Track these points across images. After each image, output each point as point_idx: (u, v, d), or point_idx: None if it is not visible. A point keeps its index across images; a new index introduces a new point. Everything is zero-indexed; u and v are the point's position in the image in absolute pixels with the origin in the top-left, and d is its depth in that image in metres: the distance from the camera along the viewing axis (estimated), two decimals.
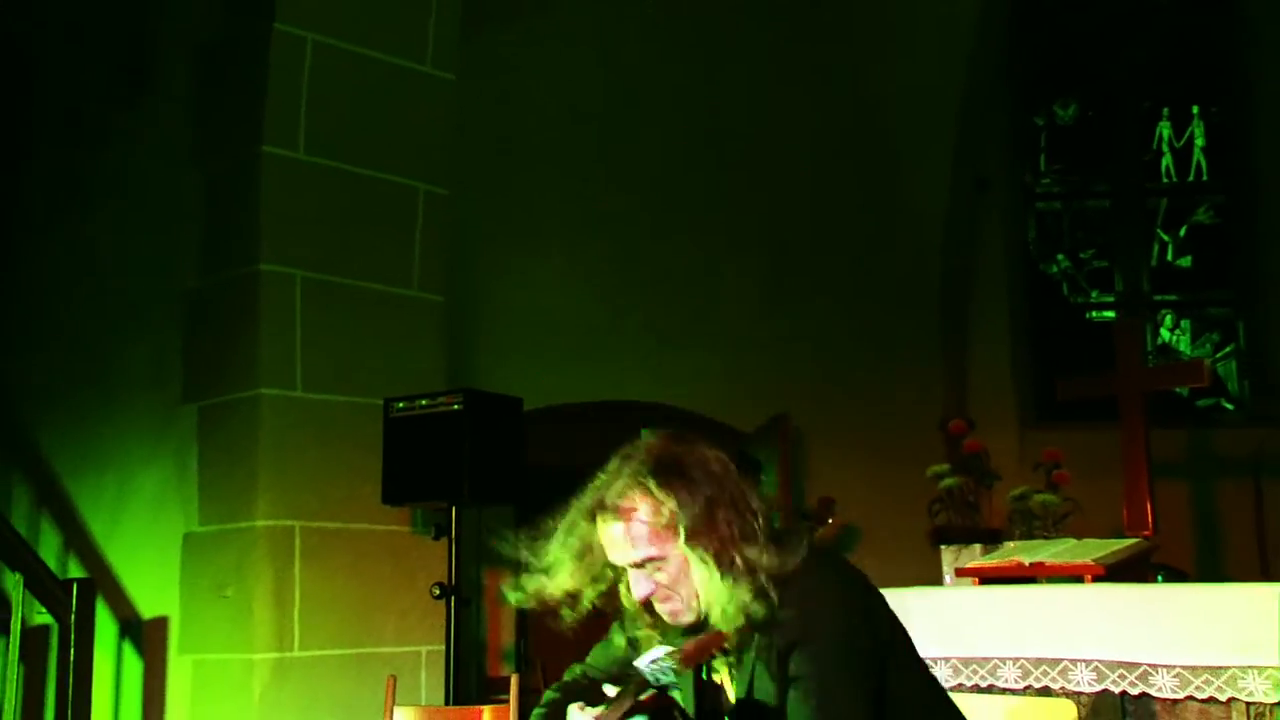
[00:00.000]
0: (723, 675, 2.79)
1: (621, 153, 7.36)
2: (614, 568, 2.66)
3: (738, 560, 2.51)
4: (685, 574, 2.57)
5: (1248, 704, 3.78)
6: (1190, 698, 3.82)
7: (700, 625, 2.64)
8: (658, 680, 2.52)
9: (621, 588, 2.70)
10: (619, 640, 2.91)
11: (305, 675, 5.35)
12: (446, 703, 4.94)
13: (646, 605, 2.64)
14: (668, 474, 2.58)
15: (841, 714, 2.51)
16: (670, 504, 2.54)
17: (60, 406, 6.29)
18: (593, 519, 2.67)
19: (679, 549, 2.55)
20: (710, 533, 2.53)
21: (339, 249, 5.60)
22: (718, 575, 2.51)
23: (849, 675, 2.53)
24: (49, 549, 6.02)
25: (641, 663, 2.53)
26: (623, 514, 2.59)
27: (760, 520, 2.57)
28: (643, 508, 2.57)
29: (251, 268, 5.41)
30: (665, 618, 2.65)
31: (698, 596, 2.56)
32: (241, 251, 5.47)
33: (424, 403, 4.99)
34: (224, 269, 5.57)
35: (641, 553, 2.58)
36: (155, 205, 5.93)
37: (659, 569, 2.59)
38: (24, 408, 6.48)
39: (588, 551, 2.70)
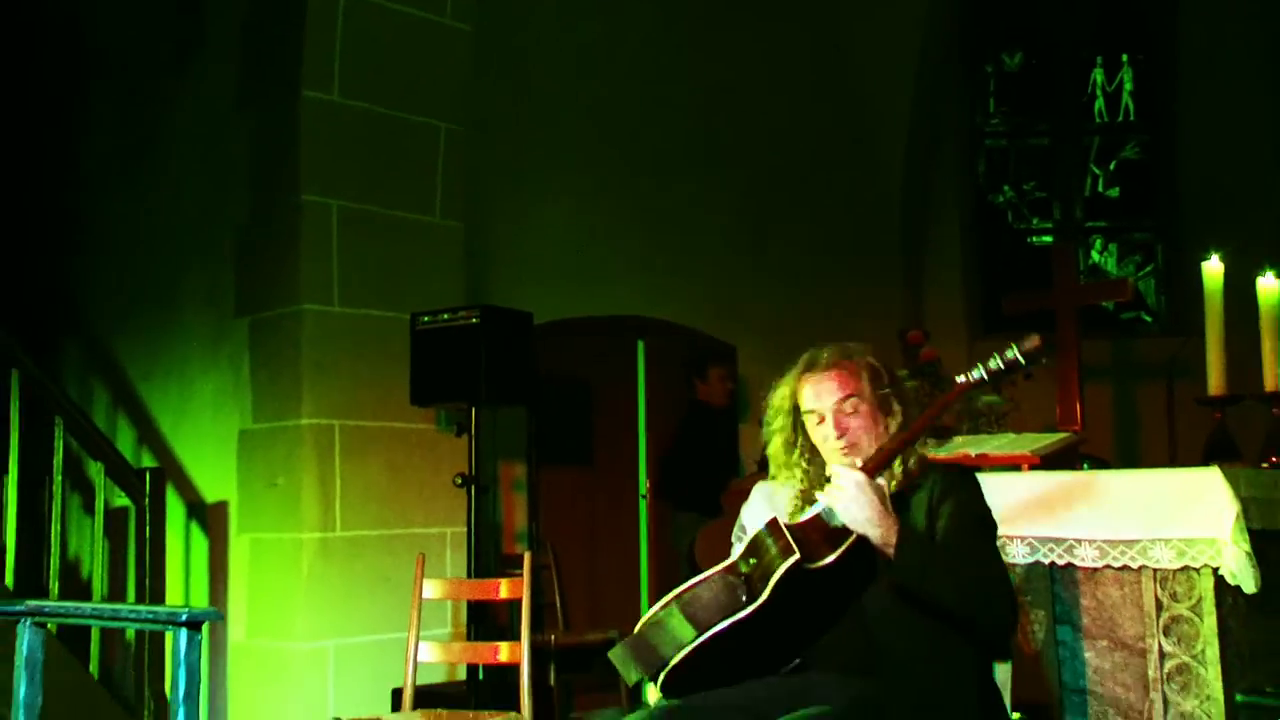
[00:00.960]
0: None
1: (620, 99, 7.32)
2: (814, 421, 2.93)
3: (906, 418, 2.92)
4: (870, 418, 2.90)
5: (1155, 570, 3.81)
6: (1108, 566, 3.85)
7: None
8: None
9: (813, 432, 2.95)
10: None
11: (346, 552, 5.40)
12: (468, 575, 4.97)
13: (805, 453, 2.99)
14: (862, 349, 3.02)
15: (993, 552, 2.92)
16: (865, 361, 2.97)
17: (132, 322, 6.30)
18: (799, 386, 2.97)
19: (869, 397, 2.91)
20: (886, 394, 2.95)
21: (370, 181, 5.59)
22: (894, 424, 2.91)
23: (991, 526, 2.97)
24: (125, 443, 6.05)
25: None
26: (832, 368, 2.94)
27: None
28: (846, 366, 2.94)
29: (294, 199, 5.41)
30: (838, 455, 2.89)
31: (875, 439, 2.89)
32: (285, 185, 5.46)
33: (446, 317, 4.98)
34: (270, 201, 5.56)
35: (845, 392, 2.89)
36: (208, 149, 5.92)
37: (855, 409, 2.88)
38: (101, 324, 6.49)
39: (791, 414, 3.00)
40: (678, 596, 2.78)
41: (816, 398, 2.91)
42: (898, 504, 2.81)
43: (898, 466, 2.87)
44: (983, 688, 2.87)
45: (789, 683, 2.87)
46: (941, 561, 2.73)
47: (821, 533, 2.73)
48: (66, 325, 6.66)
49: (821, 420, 2.90)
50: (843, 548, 2.70)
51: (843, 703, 2.72)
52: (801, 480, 3.02)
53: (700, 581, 2.79)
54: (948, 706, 2.73)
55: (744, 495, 5.37)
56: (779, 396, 3.05)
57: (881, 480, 2.81)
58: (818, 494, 2.81)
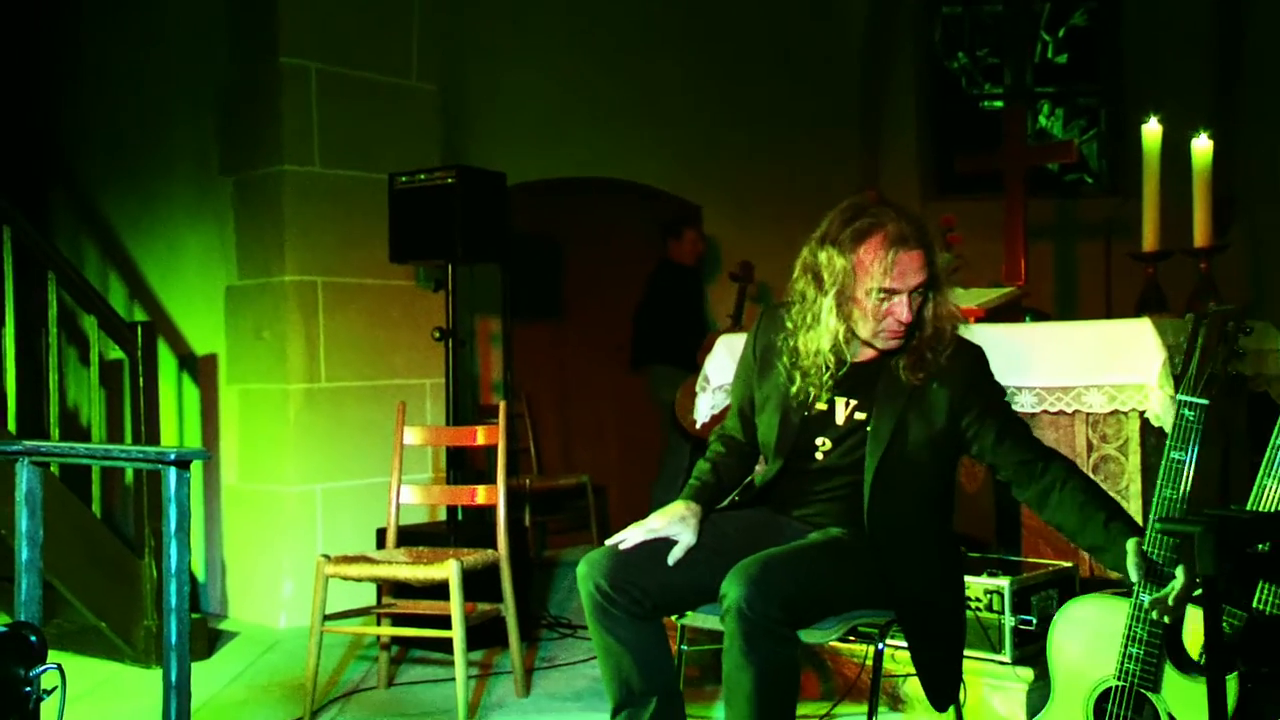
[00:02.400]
0: (839, 404, 2.86)
1: None
2: (880, 296, 2.66)
3: (948, 301, 2.74)
4: (926, 304, 2.71)
5: (1087, 415, 3.88)
6: (1044, 411, 3.91)
7: (878, 358, 2.77)
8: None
9: (865, 315, 2.71)
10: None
11: (331, 402, 5.43)
12: (447, 424, 5.00)
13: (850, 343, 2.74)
14: (921, 216, 2.74)
15: None
16: (933, 239, 2.70)
17: (120, 178, 6.22)
18: (862, 252, 2.66)
19: (932, 282, 2.70)
20: (937, 272, 2.70)
21: (348, 45, 5.49)
22: (942, 308, 2.72)
23: None
24: (116, 297, 6.02)
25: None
26: (915, 242, 2.65)
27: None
28: (927, 239, 2.68)
29: (273, 61, 5.31)
30: (887, 342, 2.72)
31: (921, 326, 2.71)
32: (264, 48, 5.35)
33: (423, 177, 4.93)
34: (251, 63, 5.45)
35: (924, 275, 2.67)
36: (194, 8, 5.77)
37: (920, 294, 2.69)
38: (89, 179, 6.41)
39: (849, 291, 2.70)
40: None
41: (901, 276, 2.63)
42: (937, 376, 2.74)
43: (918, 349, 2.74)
44: (954, 546, 2.93)
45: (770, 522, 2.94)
46: None
47: None
48: (56, 181, 6.56)
49: (890, 296, 2.66)
50: None
51: (819, 539, 2.79)
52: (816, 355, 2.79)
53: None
54: (924, 561, 2.79)
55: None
56: (841, 270, 2.68)
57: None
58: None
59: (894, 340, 2.71)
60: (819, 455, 2.85)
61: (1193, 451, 2.13)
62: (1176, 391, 2.16)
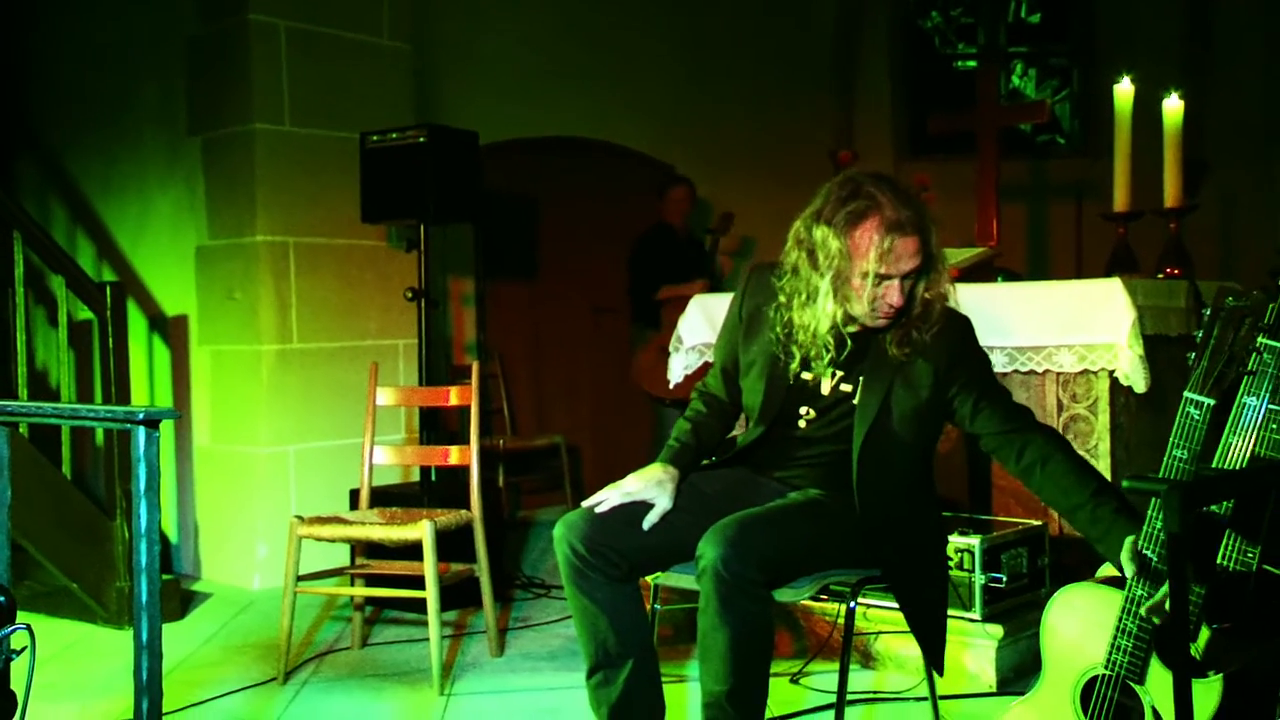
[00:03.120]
0: (824, 376, 2.85)
1: None
2: (873, 280, 2.63)
3: (941, 280, 2.69)
4: (919, 284, 2.67)
5: (1058, 374, 3.91)
6: (1015, 371, 3.94)
7: (865, 333, 2.75)
8: None
9: (859, 296, 2.67)
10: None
11: (303, 363, 5.41)
12: (420, 384, 5.00)
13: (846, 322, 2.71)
14: (917, 199, 2.67)
15: None
16: (929, 223, 2.65)
17: (88, 139, 6.16)
18: (858, 236, 2.62)
19: (927, 265, 2.66)
20: (932, 252, 2.66)
21: (318, 1, 5.43)
22: (934, 288, 2.68)
23: None
24: (85, 258, 5.98)
25: None
26: (910, 229, 2.60)
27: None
28: (923, 231, 2.63)
29: (241, 17, 5.26)
30: (879, 321, 2.69)
31: (912, 305, 2.68)
32: (233, 4, 5.29)
33: (394, 136, 4.90)
34: (218, 19, 5.39)
35: (917, 261, 2.63)
36: None
37: (912, 278, 2.65)
38: (56, 138, 6.34)
39: (845, 273, 2.66)
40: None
41: (895, 262, 2.60)
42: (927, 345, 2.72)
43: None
44: (938, 509, 2.95)
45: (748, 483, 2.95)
46: None
47: None
48: (21, 143, 6.49)
49: (883, 281, 2.63)
50: None
51: (798, 499, 2.80)
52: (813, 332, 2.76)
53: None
54: (912, 526, 2.80)
55: (681, 307, 5.41)
56: (836, 252, 2.64)
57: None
58: None
59: (885, 320, 2.69)
60: (802, 424, 2.86)
61: (1195, 451, 2.12)
62: (1185, 388, 2.14)
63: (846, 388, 2.80)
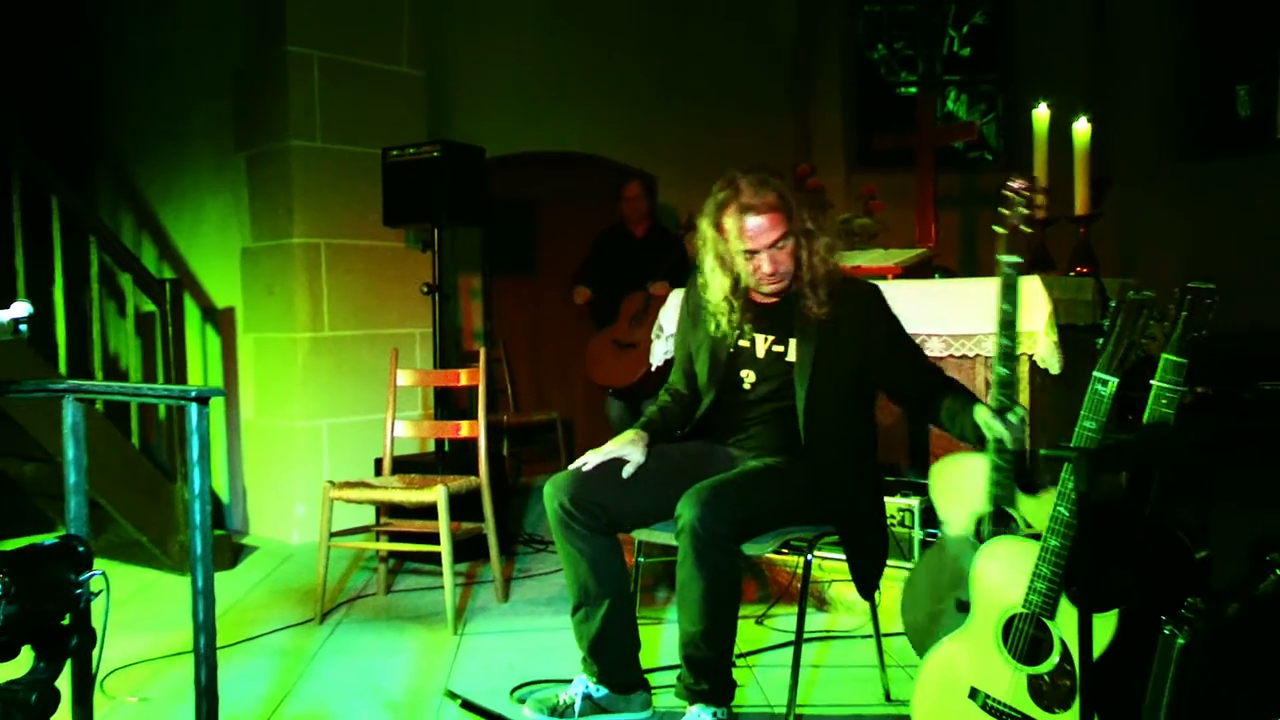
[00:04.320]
0: (758, 340, 2.89)
1: None
2: (744, 256, 2.73)
3: (821, 248, 2.74)
4: (792, 255, 2.73)
5: (985, 358, 3.92)
6: (950, 355, 3.95)
7: (786, 301, 2.81)
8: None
9: (742, 271, 2.78)
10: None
11: (333, 349, 5.40)
12: (434, 367, 4.99)
13: (739, 291, 2.82)
14: (780, 183, 2.73)
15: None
16: (789, 201, 2.71)
17: (150, 153, 6.14)
18: (723, 221, 2.74)
19: (791, 236, 2.72)
20: (803, 227, 2.73)
21: (346, 35, 5.41)
22: (816, 255, 2.74)
23: None
24: (148, 258, 5.96)
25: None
26: (763, 209, 2.68)
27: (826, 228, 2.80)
28: (778, 206, 2.70)
29: (281, 50, 5.24)
30: (766, 288, 2.78)
31: (795, 272, 2.74)
32: (273, 38, 5.27)
33: (412, 151, 4.88)
34: (261, 51, 5.37)
35: (776, 234, 2.70)
36: (208, 8, 5.68)
37: (782, 248, 2.71)
38: (123, 156, 6.32)
39: (723, 253, 2.79)
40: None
41: (753, 238, 2.70)
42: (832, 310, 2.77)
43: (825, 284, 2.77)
44: (877, 468, 2.97)
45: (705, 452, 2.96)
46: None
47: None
48: (97, 155, 6.46)
49: (752, 256, 2.73)
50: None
51: (758, 466, 2.82)
52: (732, 318, 2.88)
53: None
54: (854, 478, 2.81)
55: (635, 304, 5.43)
56: (710, 238, 2.80)
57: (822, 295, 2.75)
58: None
59: (772, 286, 2.77)
60: (746, 386, 2.89)
61: (1102, 423, 2.16)
62: (1094, 369, 2.18)
63: (779, 349, 2.85)
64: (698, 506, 2.52)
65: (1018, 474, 2.43)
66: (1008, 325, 2.43)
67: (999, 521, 2.46)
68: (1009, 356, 2.42)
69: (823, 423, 2.76)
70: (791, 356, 2.81)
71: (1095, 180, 4.70)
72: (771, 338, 2.86)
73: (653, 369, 4.63)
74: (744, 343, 2.89)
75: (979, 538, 2.31)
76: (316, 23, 5.29)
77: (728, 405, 2.93)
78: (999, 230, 2.46)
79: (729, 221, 2.74)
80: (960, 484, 2.57)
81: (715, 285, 2.84)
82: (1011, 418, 2.41)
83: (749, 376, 2.88)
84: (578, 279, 6.15)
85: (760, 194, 2.70)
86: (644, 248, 6.12)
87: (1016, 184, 2.48)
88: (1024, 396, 3.89)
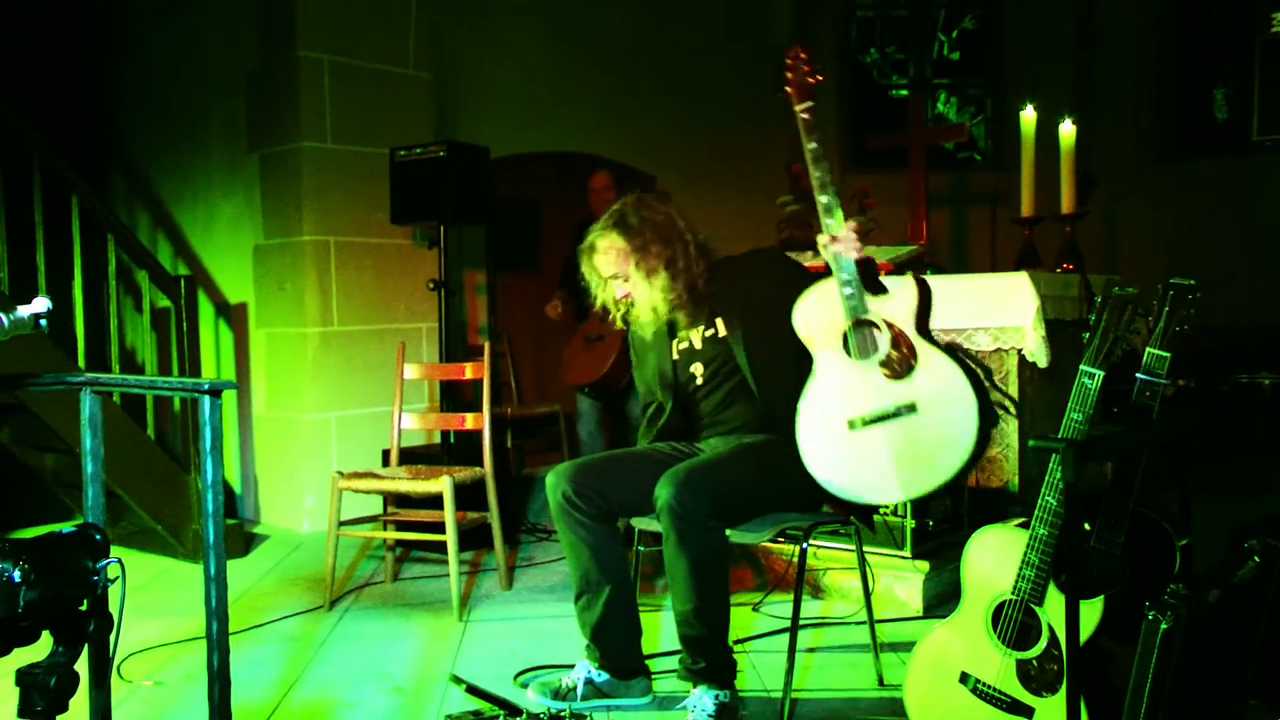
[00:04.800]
0: (693, 335, 2.90)
1: None
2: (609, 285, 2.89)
3: (664, 274, 2.79)
4: (641, 279, 2.81)
5: (976, 352, 3.92)
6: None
7: (691, 300, 2.86)
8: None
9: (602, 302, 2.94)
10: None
11: (342, 343, 5.39)
12: (440, 361, 4.98)
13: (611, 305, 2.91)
14: (622, 224, 2.81)
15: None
16: (620, 243, 2.80)
17: (166, 153, 6.13)
18: (588, 255, 2.88)
19: (633, 268, 2.81)
20: (646, 259, 2.79)
21: (355, 39, 5.40)
22: (656, 285, 2.79)
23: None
24: (164, 255, 5.95)
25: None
26: (596, 252, 2.85)
27: (691, 243, 2.83)
28: (607, 249, 2.83)
29: (292, 54, 5.22)
30: (620, 309, 2.91)
31: (654, 287, 2.80)
32: (285, 42, 5.26)
33: (419, 151, 4.87)
34: (273, 55, 5.35)
35: (611, 270, 2.84)
36: (224, 8, 5.65)
37: (625, 279, 2.83)
38: (140, 157, 6.30)
39: (596, 276, 2.91)
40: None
41: (602, 273, 2.88)
42: (705, 311, 2.85)
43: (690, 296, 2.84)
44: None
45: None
46: None
47: None
48: (113, 156, 6.45)
49: (607, 284, 2.89)
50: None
51: (735, 446, 2.82)
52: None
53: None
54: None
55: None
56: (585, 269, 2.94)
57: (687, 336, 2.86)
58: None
59: (651, 309, 2.83)
60: (699, 381, 2.92)
61: (1089, 415, 2.16)
62: (1080, 362, 2.18)
63: (709, 332, 2.89)
64: (673, 486, 2.54)
65: (866, 283, 2.54)
66: (819, 159, 2.67)
67: (860, 327, 2.54)
68: (824, 185, 2.62)
69: (772, 379, 2.78)
70: (723, 332, 2.86)
71: (1081, 180, 4.70)
72: (700, 327, 2.91)
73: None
74: (682, 344, 2.93)
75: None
76: (327, 27, 5.28)
77: (688, 402, 2.96)
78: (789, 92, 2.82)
79: (585, 261, 2.89)
80: (823, 309, 2.62)
81: (614, 310, 2.94)
82: (835, 229, 2.53)
83: (698, 370, 2.92)
84: (562, 283, 5.93)
85: (599, 233, 2.84)
86: None
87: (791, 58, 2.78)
88: (1013, 389, 3.90)
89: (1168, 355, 2.14)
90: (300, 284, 5.30)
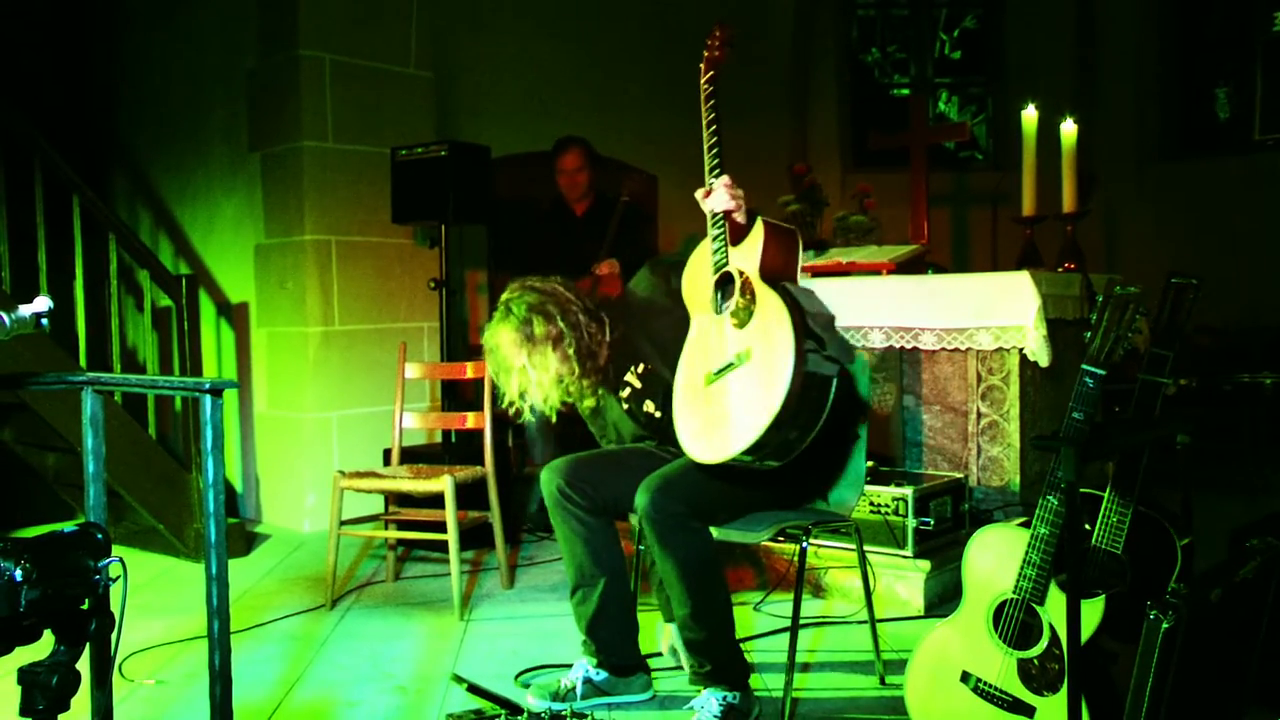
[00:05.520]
0: (630, 380, 2.91)
1: None
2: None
3: (555, 360, 2.74)
4: (542, 373, 2.76)
5: (977, 351, 3.92)
6: (943, 349, 3.95)
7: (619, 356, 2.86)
8: None
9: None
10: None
11: (343, 342, 5.39)
12: (441, 360, 4.98)
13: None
14: (508, 318, 2.78)
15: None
16: (513, 334, 2.76)
17: (167, 153, 6.12)
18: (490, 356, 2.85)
19: (529, 362, 2.76)
20: (536, 350, 2.74)
21: (356, 38, 5.39)
22: (546, 375, 2.75)
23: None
24: (165, 254, 5.95)
25: None
26: (490, 351, 2.83)
27: (583, 312, 2.79)
28: (500, 350, 2.79)
29: (293, 53, 5.22)
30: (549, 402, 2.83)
31: (558, 376, 2.76)
32: (286, 41, 5.26)
33: (420, 151, 4.87)
34: (274, 54, 5.35)
35: (510, 362, 2.77)
36: (224, 7, 5.66)
37: (525, 373, 2.77)
38: (141, 156, 6.30)
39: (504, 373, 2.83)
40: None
41: (509, 362, 2.81)
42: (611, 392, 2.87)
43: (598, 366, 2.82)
44: None
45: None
46: None
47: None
48: (114, 156, 6.45)
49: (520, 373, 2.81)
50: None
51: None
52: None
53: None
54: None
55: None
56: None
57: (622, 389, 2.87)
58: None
59: (538, 396, 2.80)
60: (656, 413, 2.89)
61: (1090, 414, 2.16)
62: (1082, 361, 2.18)
63: (640, 368, 2.88)
64: (649, 492, 2.55)
65: (732, 236, 2.55)
66: (710, 124, 2.91)
67: (722, 283, 2.50)
68: (711, 148, 2.82)
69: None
70: (649, 365, 2.85)
71: (1082, 179, 4.70)
72: (629, 368, 2.89)
73: None
74: (624, 391, 2.92)
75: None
76: (328, 26, 5.28)
77: (651, 429, 2.95)
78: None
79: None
80: (697, 272, 2.61)
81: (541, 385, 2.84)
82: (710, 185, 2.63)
83: (650, 406, 2.90)
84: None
85: (493, 332, 2.81)
86: (586, 228, 5.45)
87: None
88: (1015, 388, 3.90)
89: (1169, 354, 2.14)
90: (301, 283, 5.30)
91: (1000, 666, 2.27)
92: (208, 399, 1.71)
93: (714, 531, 2.67)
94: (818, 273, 4.40)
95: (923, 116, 5.67)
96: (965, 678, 2.33)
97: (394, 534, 4.18)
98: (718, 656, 2.65)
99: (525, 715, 2.70)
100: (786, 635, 2.97)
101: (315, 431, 5.33)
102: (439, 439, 5.29)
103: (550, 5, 6.96)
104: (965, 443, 4.02)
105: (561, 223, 5.60)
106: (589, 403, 2.89)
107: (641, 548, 3.18)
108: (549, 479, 2.79)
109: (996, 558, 2.29)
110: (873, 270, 4.31)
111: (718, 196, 2.58)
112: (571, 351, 2.75)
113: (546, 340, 2.74)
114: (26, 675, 1.53)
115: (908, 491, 3.65)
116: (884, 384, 4.22)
